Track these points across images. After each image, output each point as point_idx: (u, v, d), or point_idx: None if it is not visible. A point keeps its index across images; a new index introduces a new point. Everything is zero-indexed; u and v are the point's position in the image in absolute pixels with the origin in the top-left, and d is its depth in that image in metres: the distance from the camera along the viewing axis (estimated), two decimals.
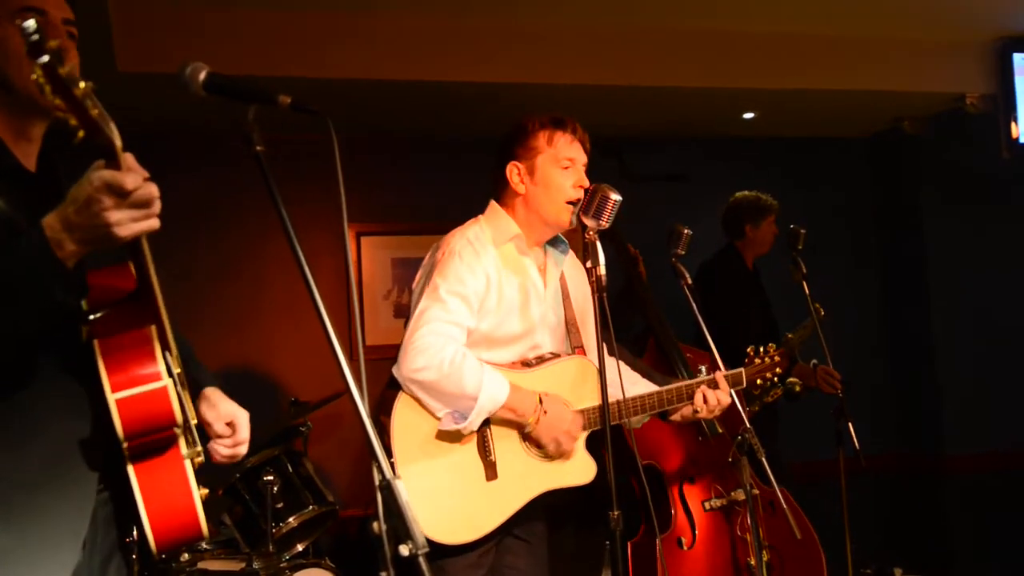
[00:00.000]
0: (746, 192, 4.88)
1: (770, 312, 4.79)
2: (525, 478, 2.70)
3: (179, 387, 1.74)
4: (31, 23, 1.30)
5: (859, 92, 5.24)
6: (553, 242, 2.95)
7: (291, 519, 3.78)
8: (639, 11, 4.62)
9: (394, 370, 2.63)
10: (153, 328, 1.70)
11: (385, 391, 2.68)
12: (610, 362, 2.78)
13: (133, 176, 1.46)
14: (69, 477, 1.70)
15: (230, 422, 1.97)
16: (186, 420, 1.77)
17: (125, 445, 1.65)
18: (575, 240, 2.96)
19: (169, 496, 1.72)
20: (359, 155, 5.14)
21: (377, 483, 1.42)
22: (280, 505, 3.74)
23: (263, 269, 5.38)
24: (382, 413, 2.65)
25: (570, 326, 2.96)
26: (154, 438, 1.68)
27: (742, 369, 3.08)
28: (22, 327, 1.58)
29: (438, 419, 2.60)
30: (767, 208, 4.79)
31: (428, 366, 2.55)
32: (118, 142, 1.41)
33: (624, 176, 5.11)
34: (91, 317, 1.64)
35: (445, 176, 5.57)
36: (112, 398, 1.61)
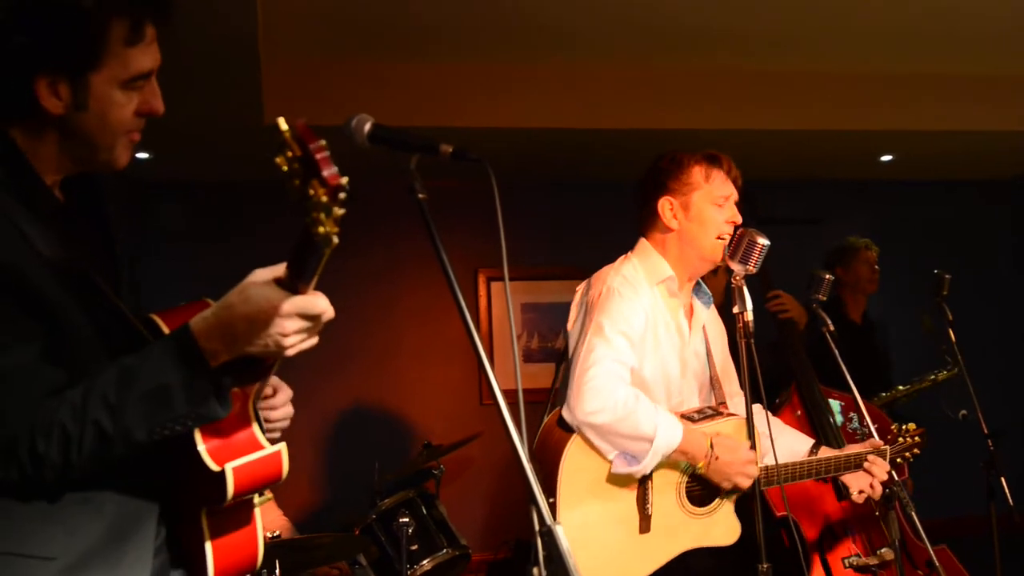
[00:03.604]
0: None
1: (878, 366, 4.62)
2: (675, 533, 2.66)
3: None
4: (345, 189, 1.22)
5: (1003, 133, 5.05)
6: (697, 290, 2.91)
7: (425, 562, 3.80)
8: (772, 56, 4.57)
9: (565, 412, 2.59)
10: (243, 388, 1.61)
11: (555, 430, 2.66)
12: (761, 415, 2.72)
13: (323, 301, 1.42)
14: (128, 547, 1.60)
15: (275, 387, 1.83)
16: None
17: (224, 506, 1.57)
18: (716, 286, 2.93)
19: (238, 547, 1.69)
20: (489, 202, 5.22)
21: (537, 529, 1.41)
22: (415, 547, 3.77)
23: (398, 318, 5.50)
24: (546, 452, 2.64)
25: (714, 381, 2.91)
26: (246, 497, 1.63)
27: (887, 448, 2.99)
28: (163, 439, 1.46)
29: (609, 461, 2.57)
30: (853, 246, 4.69)
31: (603, 408, 2.51)
32: (336, 240, 1.29)
33: (757, 220, 5.04)
34: None
35: (574, 222, 5.61)
36: (228, 468, 1.51)
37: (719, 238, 2.73)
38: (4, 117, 1.55)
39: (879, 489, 2.88)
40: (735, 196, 2.79)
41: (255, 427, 1.61)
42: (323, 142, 1.23)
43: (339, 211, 1.25)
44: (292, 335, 1.42)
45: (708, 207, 2.74)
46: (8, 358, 1.44)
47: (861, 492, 2.89)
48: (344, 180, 1.23)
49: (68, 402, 1.43)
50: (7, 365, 1.43)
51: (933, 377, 4.25)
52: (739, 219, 2.75)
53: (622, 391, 2.56)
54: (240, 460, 1.54)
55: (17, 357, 1.45)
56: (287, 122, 1.24)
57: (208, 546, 1.62)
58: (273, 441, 1.66)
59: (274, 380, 1.78)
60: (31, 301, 1.46)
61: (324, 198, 1.23)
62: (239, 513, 1.66)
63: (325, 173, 1.22)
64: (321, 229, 1.25)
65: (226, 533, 1.65)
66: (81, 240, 1.63)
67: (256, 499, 1.68)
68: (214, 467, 1.51)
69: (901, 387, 4.23)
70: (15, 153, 1.55)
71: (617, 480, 2.59)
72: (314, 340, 1.47)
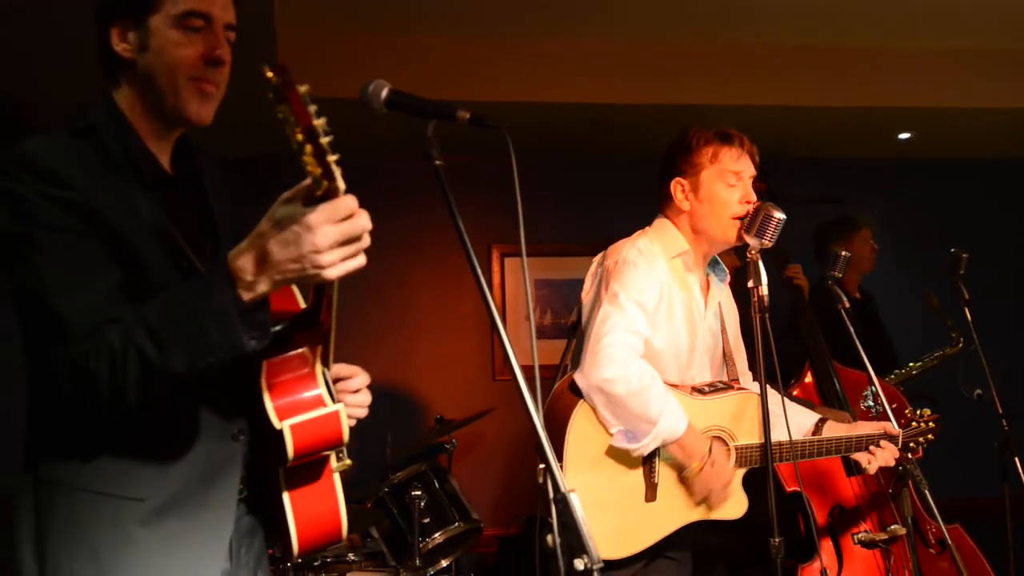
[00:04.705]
0: None
1: (882, 341, 4.61)
2: (681, 504, 2.67)
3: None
4: (313, 108, 1.28)
5: None
6: (714, 266, 2.90)
7: (437, 535, 3.81)
8: (789, 30, 4.53)
9: (578, 376, 2.60)
10: (310, 349, 1.68)
11: (565, 394, 2.66)
12: (772, 395, 2.71)
13: (350, 200, 1.39)
14: (212, 496, 1.70)
15: (348, 374, 1.90)
16: None
17: (287, 465, 1.65)
18: (730, 260, 2.92)
19: (318, 509, 1.75)
20: (502, 177, 5.22)
21: (552, 496, 1.42)
22: (427, 520, 3.79)
23: (411, 291, 5.50)
24: (554, 417, 2.64)
25: (727, 357, 2.91)
26: (315, 458, 1.69)
27: (900, 432, 2.97)
28: (202, 371, 1.50)
29: (610, 434, 2.58)
30: (854, 223, 4.63)
31: (618, 378, 2.52)
32: (343, 186, 1.35)
33: (772, 198, 5.01)
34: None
35: (588, 197, 5.59)
36: (286, 425, 1.58)
37: (734, 218, 2.72)
38: (109, 83, 1.72)
39: (890, 460, 2.87)
40: (751, 173, 2.77)
41: (322, 388, 1.66)
42: (302, 87, 1.28)
43: (330, 157, 1.30)
44: (327, 251, 1.39)
45: (718, 186, 2.73)
46: (89, 290, 1.53)
47: (870, 462, 2.87)
48: (316, 121, 1.27)
49: (118, 325, 1.49)
50: (85, 297, 1.52)
51: (940, 353, 4.24)
52: (753, 197, 2.74)
53: (637, 365, 2.57)
54: (299, 417, 1.61)
55: (97, 289, 1.53)
56: (270, 69, 1.28)
57: (287, 498, 1.69)
58: (351, 428, 1.73)
59: (350, 368, 1.86)
60: (124, 255, 1.58)
61: (299, 136, 1.28)
62: (316, 477, 1.72)
63: (296, 111, 1.27)
64: (308, 169, 1.31)
65: (305, 497, 1.72)
66: (181, 209, 1.73)
67: (334, 463, 1.75)
68: (276, 423, 1.58)
69: (912, 364, 4.22)
70: (121, 119, 1.69)
71: (622, 449, 2.60)
72: (360, 261, 1.44)
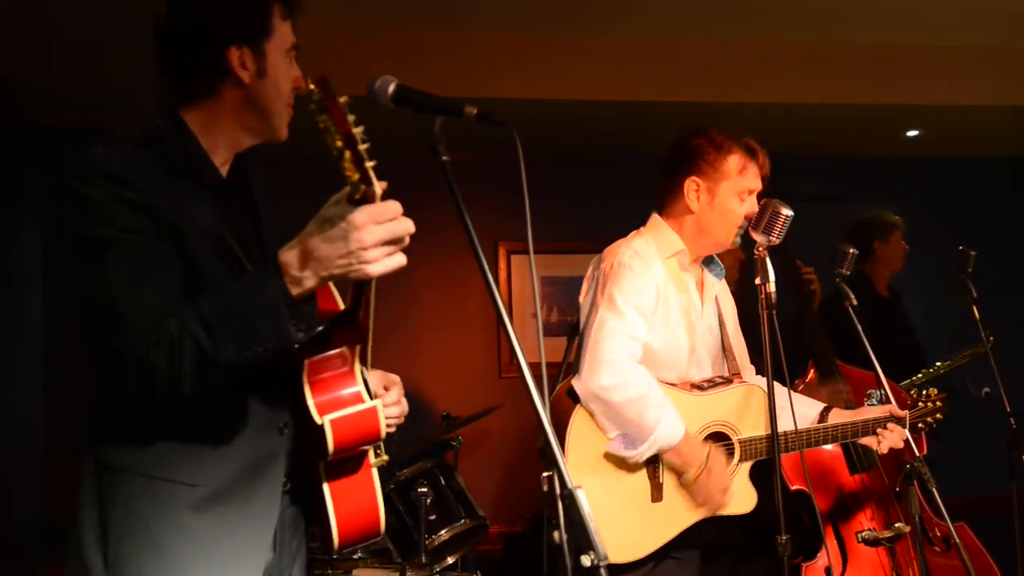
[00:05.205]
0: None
1: (911, 339, 4.60)
2: (688, 503, 2.67)
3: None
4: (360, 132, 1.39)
5: None
6: (709, 263, 2.89)
7: (443, 532, 3.81)
8: (797, 28, 4.52)
9: (575, 381, 2.60)
10: (349, 348, 1.76)
11: (563, 399, 2.66)
12: (775, 387, 2.71)
13: (395, 204, 1.49)
14: (259, 486, 1.76)
15: (386, 385, 2.01)
16: None
17: (328, 459, 1.71)
18: (728, 258, 2.92)
19: (357, 502, 1.80)
20: (508, 174, 5.21)
21: (559, 493, 1.42)
22: (433, 517, 3.78)
23: (415, 290, 5.50)
24: (554, 420, 2.63)
25: (727, 352, 2.91)
26: (354, 452, 1.75)
27: (906, 413, 2.96)
28: (251, 361, 1.56)
29: (608, 439, 2.58)
30: (893, 223, 4.66)
31: (615, 386, 2.52)
32: (379, 191, 1.46)
33: (777, 195, 5.00)
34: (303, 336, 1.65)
35: (594, 194, 5.58)
36: (326, 420, 1.65)
37: (735, 227, 2.73)
38: (187, 98, 1.78)
39: (899, 442, 2.84)
40: (759, 190, 2.78)
41: (361, 386, 1.75)
42: (342, 98, 1.37)
43: (368, 163, 1.39)
44: (372, 248, 1.47)
45: (732, 199, 2.73)
46: (152, 287, 1.60)
47: (880, 443, 2.85)
48: (354, 129, 1.37)
49: (176, 318, 1.56)
50: (148, 294, 1.59)
51: (970, 352, 4.22)
52: (756, 209, 2.74)
53: (635, 371, 2.56)
54: (338, 413, 1.69)
55: (159, 287, 1.61)
56: (313, 82, 1.38)
57: (327, 492, 1.75)
58: (389, 435, 1.81)
59: (389, 377, 1.93)
60: (180, 254, 1.66)
61: (339, 143, 1.38)
62: (355, 472, 1.79)
63: (336, 121, 1.37)
64: (347, 175, 1.41)
65: (345, 491, 1.78)
66: (235, 215, 1.81)
67: (372, 459, 1.82)
68: (317, 419, 1.66)
69: (940, 363, 4.19)
70: (187, 133, 1.76)
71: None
72: (401, 259, 1.52)
